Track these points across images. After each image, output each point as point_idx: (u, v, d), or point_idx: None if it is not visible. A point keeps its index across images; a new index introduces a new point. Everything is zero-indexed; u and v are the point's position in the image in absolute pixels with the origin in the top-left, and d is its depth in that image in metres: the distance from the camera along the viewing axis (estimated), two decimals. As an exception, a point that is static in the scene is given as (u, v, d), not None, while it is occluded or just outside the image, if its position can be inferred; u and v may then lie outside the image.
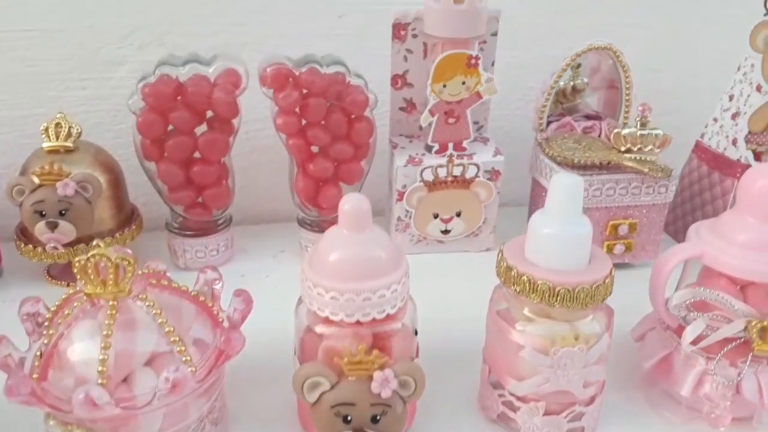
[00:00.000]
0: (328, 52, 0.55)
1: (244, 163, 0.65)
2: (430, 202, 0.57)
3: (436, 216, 0.58)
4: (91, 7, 0.58)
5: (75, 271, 0.33)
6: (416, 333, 0.38)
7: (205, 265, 0.41)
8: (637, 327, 0.44)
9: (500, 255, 0.37)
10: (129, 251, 0.34)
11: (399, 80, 0.57)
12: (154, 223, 0.61)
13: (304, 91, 0.52)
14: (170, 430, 0.34)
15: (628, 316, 0.43)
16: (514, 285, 0.35)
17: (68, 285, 0.55)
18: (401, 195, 0.56)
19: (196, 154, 0.54)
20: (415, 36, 0.55)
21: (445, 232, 0.58)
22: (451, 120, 0.55)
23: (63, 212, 0.50)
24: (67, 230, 0.50)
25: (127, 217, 0.56)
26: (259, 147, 0.65)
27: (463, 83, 0.53)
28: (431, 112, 0.54)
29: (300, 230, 0.59)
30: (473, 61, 0.52)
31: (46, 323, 0.35)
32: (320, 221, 0.57)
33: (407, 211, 0.57)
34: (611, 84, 0.61)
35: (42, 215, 0.49)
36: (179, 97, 0.52)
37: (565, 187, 0.34)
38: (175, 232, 0.57)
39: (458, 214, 0.58)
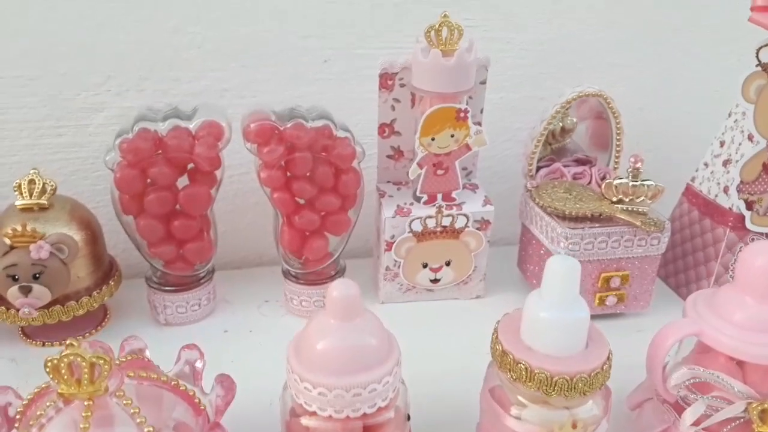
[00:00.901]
0: (313, 101, 0.53)
1: (227, 207, 0.63)
2: (419, 252, 0.55)
3: (425, 265, 0.56)
4: (65, 53, 0.56)
5: (47, 370, 0.31)
6: (409, 418, 0.36)
7: (185, 344, 0.39)
8: (632, 395, 0.43)
9: (495, 337, 0.36)
10: (104, 347, 0.32)
11: (386, 129, 0.56)
12: (133, 269, 0.59)
13: (289, 144, 0.50)
14: None
15: (623, 372, 0.42)
16: (510, 372, 0.34)
17: (43, 344, 0.53)
18: (390, 245, 0.55)
19: (177, 206, 0.52)
20: (402, 85, 0.54)
21: (435, 281, 0.57)
22: (439, 171, 0.53)
23: (37, 276, 0.47)
24: (41, 294, 0.48)
25: (105, 273, 0.54)
26: (242, 191, 0.64)
27: (452, 136, 0.52)
28: (419, 165, 0.53)
29: (285, 281, 0.57)
30: (462, 115, 0.51)
31: (17, 418, 0.33)
32: (306, 274, 0.56)
33: (396, 261, 0.56)
34: (598, 115, 0.60)
35: (15, 279, 0.47)
36: (159, 152, 0.50)
37: (561, 272, 0.33)
38: (155, 288, 0.55)
39: (448, 263, 0.56)
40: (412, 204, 0.55)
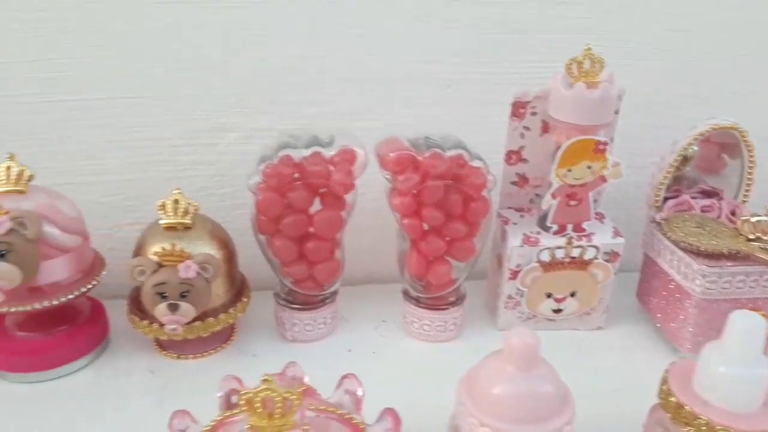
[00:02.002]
0: (434, 125, 0.54)
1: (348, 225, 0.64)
2: (544, 282, 0.55)
3: (549, 295, 0.56)
4: (200, 77, 0.58)
5: (241, 403, 0.32)
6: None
7: (345, 374, 0.40)
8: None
9: (665, 385, 0.35)
10: (290, 381, 0.33)
11: (513, 156, 0.56)
12: (255, 284, 0.61)
13: (424, 173, 0.51)
14: None
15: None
16: (686, 425, 0.33)
17: (179, 357, 0.55)
18: (515, 274, 0.55)
19: (311, 229, 0.54)
20: (534, 114, 0.54)
21: (557, 311, 0.57)
22: (572, 202, 0.53)
23: (184, 294, 0.50)
24: (187, 312, 0.50)
25: (238, 290, 0.56)
26: (362, 210, 0.64)
27: (589, 167, 0.51)
28: (553, 196, 0.53)
29: (405, 303, 0.58)
30: (601, 147, 0.50)
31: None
32: (427, 299, 0.56)
33: (520, 290, 0.56)
34: (707, 138, 0.59)
35: (163, 297, 0.49)
36: (296, 175, 0.52)
37: (747, 328, 0.32)
38: (284, 305, 0.56)
39: (572, 294, 0.56)
40: (539, 233, 0.55)
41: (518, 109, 0.54)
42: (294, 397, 0.32)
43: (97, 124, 0.59)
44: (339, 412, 0.36)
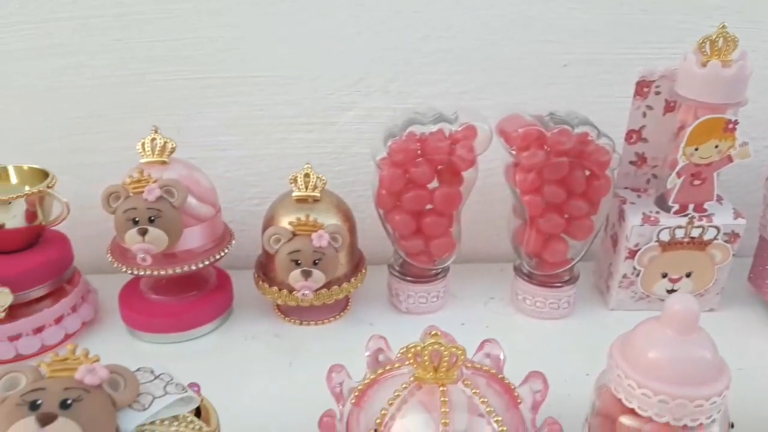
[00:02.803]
0: (549, 105, 0.54)
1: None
2: (661, 262, 0.55)
3: (664, 275, 0.56)
4: (322, 58, 0.60)
5: (409, 355, 0.34)
6: (732, 426, 0.37)
7: (485, 339, 0.41)
8: None
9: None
10: (451, 337, 0.35)
11: (634, 135, 0.56)
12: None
13: (549, 149, 0.51)
14: None
15: None
16: None
17: (300, 323, 0.58)
18: (632, 253, 0.55)
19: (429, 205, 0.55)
20: (657, 93, 0.54)
21: (671, 291, 0.57)
22: (696, 182, 0.53)
23: (316, 262, 0.52)
24: (318, 278, 0.53)
25: (357, 262, 0.58)
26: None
27: (716, 147, 0.51)
28: (678, 174, 0.52)
29: (516, 280, 0.59)
30: (731, 126, 0.50)
31: (355, 395, 0.37)
32: (541, 275, 0.57)
33: (636, 269, 0.56)
34: None
35: (297, 264, 0.52)
36: (418, 151, 0.53)
37: None
38: (398, 276, 0.58)
39: (688, 275, 0.56)
40: (657, 212, 0.55)
41: (642, 88, 0.54)
42: (459, 352, 0.34)
43: (223, 102, 0.62)
44: (492, 371, 0.37)
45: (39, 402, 0.29)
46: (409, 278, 0.58)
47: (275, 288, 0.55)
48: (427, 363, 0.34)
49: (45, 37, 0.58)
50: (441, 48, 0.61)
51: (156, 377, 0.34)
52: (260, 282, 0.57)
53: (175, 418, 0.33)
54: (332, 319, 0.58)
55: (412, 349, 0.34)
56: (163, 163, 0.53)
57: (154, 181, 0.50)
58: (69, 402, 0.29)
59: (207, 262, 0.55)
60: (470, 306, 0.61)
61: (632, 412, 0.35)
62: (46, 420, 0.28)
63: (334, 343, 0.56)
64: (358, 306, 0.61)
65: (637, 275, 0.56)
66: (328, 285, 0.54)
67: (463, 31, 0.60)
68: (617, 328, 0.39)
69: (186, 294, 0.57)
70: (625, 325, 0.39)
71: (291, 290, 0.54)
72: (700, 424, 0.33)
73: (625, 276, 0.57)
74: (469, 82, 0.62)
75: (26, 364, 0.31)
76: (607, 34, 0.60)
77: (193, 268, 0.54)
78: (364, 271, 0.58)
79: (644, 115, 0.55)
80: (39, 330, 0.53)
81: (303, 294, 0.53)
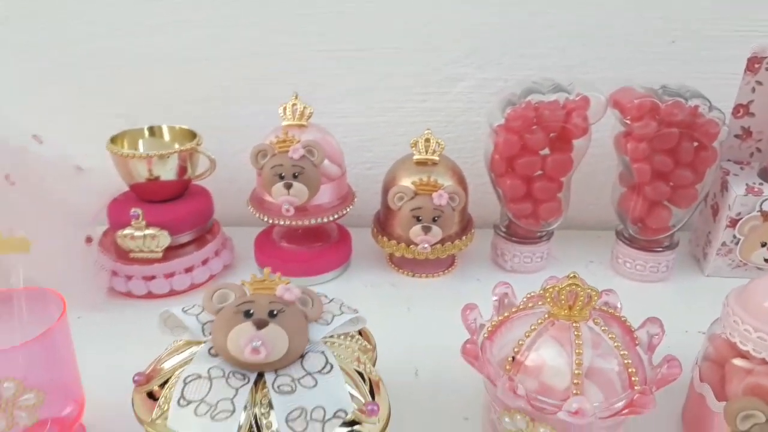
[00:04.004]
0: (653, 80, 0.57)
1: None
2: (761, 232, 0.58)
3: (763, 244, 0.59)
4: (437, 30, 0.65)
5: (546, 294, 0.39)
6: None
7: (603, 290, 0.46)
8: None
9: None
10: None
11: (741, 109, 0.58)
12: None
13: (661, 120, 0.55)
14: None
15: None
16: None
17: (413, 275, 0.63)
18: (734, 222, 0.58)
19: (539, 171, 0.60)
20: (769, 69, 0.56)
21: (770, 260, 0.60)
22: (805, 155, 0.55)
23: (435, 218, 0.57)
24: (437, 234, 0.58)
25: (467, 222, 0.63)
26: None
27: (828, 121, 0.53)
28: (787, 148, 0.55)
29: (617, 244, 0.63)
30: None
31: (489, 330, 0.42)
32: (642, 240, 0.61)
33: (736, 237, 0.59)
34: None
35: (418, 220, 0.58)
36: (534, 119, 0.57)
37: None
38: (504, 237, 0.63)
39: (789, 245, 0.58)
40: (761, 184, 0.57)
41: (753, 63, 0.56)
42: (594, 293, 0.38)
43: (342, 73, 0.67)
44: (616, 314, 0.42)
45: (251, 311, 0.35)
46: (515, 239, 0.63)
47: (393, 241, 0.61)
48: (563, 301, 0.39)
49: (193, 10, 0.65)
50: (548, 22, 0.64)
51: (330, 300, 0.40)
52: (379, 236, 0.62)
53: (347, 335, 0.39)
54: (441, 273, 0.64)
55: (550, 290, 0.39)
56: (302, 126, 0.59)
57: (298, 141, 0.57)
58: (275, 312, 0.35)
59: (335, 217, 0.61)
60: (571, 267, 0.62)
61: (744, 355, 0.39)
62: (260, 324, 0.34)
63: (447, 293, 0.61)
64: (464, 264, 0.66)
65: (737, 243, 0.59)
66: (442, 241, 0.60)
67: (570, 8, 0.63)
68: (712, 292, 0.44)
69: (313, 244, 0.64)
70: (720, 291, 0.42)
71: (408, 244, 0.60)
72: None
73: (723, 244, 0.60)
74: (574, 56, 0.65)
75: (232, 283, 0.38)
76: (716, 10, 0.62)
77: (324, 220, 0.60)
78: (473, 231, 0.63)
79: (753, 90, 0.57)
80: (189, 270, 0.60)
81: (423, 247, 0.58)
